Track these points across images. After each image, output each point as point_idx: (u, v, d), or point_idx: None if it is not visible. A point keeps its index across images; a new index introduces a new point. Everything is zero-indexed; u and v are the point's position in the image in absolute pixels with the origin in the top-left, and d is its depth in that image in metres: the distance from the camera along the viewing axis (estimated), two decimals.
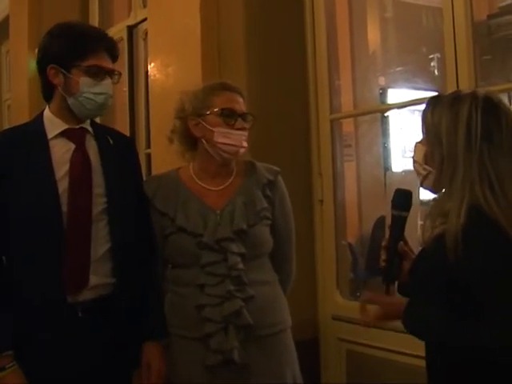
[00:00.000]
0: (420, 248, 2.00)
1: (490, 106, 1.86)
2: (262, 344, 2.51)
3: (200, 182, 2.62)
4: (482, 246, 1.76)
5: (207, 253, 2.49)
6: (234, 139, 2.53)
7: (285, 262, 2.73)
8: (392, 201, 2.05)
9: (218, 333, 2.44)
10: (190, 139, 2.64)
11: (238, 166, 2.66)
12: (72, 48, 2.38)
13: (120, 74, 2.49)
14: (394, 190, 2.08)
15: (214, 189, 2.61)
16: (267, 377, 2.50)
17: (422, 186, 1.97)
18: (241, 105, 2.59)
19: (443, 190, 1.91)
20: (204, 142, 2.58)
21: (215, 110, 2.55)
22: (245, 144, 2.56)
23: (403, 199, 2.04)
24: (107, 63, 2.42)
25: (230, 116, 2.54)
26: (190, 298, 2.50)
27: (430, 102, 1.95)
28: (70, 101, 2.40)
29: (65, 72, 2.38)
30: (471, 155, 1.81)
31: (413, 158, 1.99)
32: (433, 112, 1.91)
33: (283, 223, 2.67)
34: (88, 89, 2.37)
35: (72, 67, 2.37)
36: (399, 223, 2.04)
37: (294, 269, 2.79)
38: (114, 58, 2.46)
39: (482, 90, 1.94)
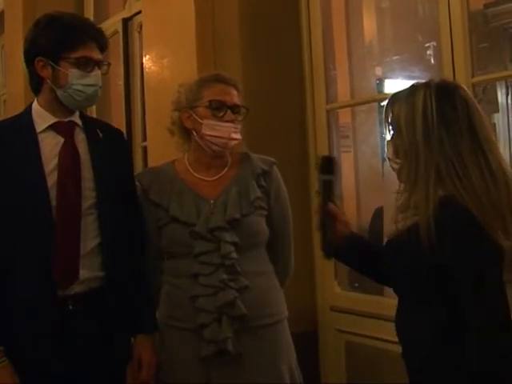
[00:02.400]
0: (387, 238, 2.01)
1: (444, 91, 1.88)
2: (256, 335, 2.51)
3: (194, 173, 2.62)
4: (455, 235, 1.77)
5: (200, 242, 2.49)
6: (222, 131, 2.52)
7: (282, 253, 2.72)
8: (318, 167, 2.20)
9: (212, 323, 2.44)
10: (185, 131, 2.64)
11: (232, 157, 2.65)
12: (60, 40, 2.36)
13: (109, 63, 2.48)
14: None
15: (208, 179, 2.61)
16: (261, 368, 2.50)
17: (399, 180, 1.97)
18: (233, 97, 2.58)
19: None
20: (194, 133, 2.58)
21: (204, 101, 2.55)
22: (235, 136, 2.55)
23: (327, 164, 2.18)
24: (96, 54, 2.40)
25: (218, 108, 2.54)
26: (185, 288, 2.50)
27: (390, 98, 1.98)
28: (59, 93, 2.39)
29: (53, 64, 2.36)
30: (431, 143, 1.83)
31: (386, 155, 2.01)
32: (392, 107, 1.94)
33: (279, 213, 2.65)
34: (77, 81, 2.36)
35: (60, 59, 2.36)
36: (326, 186, 2.17)
37: (292, 260, 2.77)
38: (103, 48, 2.45)
39: (437, 79, 1.97)
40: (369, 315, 3.45)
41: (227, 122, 2.53)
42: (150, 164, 4.18)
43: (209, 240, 2.48)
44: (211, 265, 2.46)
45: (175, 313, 2.54)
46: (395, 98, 1.95)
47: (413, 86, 1.94)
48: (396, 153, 1.94)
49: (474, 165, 1.81)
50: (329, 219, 2.16)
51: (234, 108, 2.57)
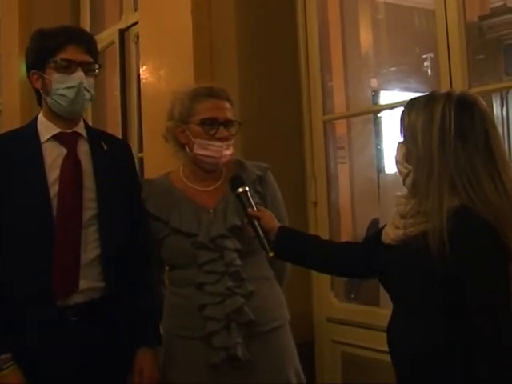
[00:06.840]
0: (386, 243, 2.02)
1: (464, 105, 1.89)
2: (263, 339, 2.54)
3: (191, 184, 2.64)
4: (474, 245, 1.78)
5: (203, 252, 2.51)
6: (214, 151, 2.54)
7: None
8: (230, 188, 2.52)
9: (221, 331, 2.46)
10: (179, 142, 2.65)
11: (227, 166, 2.66)
12: (41, 49, 2.38)
13: (98, 64, 2.46)
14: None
15: (205, 189, 2.63)
16: (270, 372, 2.53)
17: (404, 184, 1.99)
18: (225, 111, 2.59)
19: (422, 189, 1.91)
20: (187, 149, 2.60)
21: (196, 119, 2.55)
22: (226, 153, 2.57)
23: (235, 181, 2.52)
24: (77, 56, 2.38)
25: (210, 125, 2.55)
26: (191, 297, 2.52)
27: (408, 103, 1.99)
28: (49, 101, 2.40)
29: (42, 74, 2.39)
30: (446, 153, 1.84)
31: (395, 157, 2.02)
32: (409, 113, 1.95)
33: (276, 217, 2.61)
34: (60, 85, 2.36)
35: (46, 68, 2.38)
36: (241, 198, 2.48)
37: (289, 265, 2.77)
38: (89, 50, 2.43)
39: (457, 90, 1.98)
40: (365, 326, 3.44)
41: (219, 139, 2.54)
42: (147, 175, 4.17)
43: (212, 249, 2.51)
44: (216, 273, 2.49)
45: (182, 322, 2.55)
46: (413, 104, 1.96)
47: (432, 94, 1.95)
48: (406, 157, 1.95)
49: (488, 178, 1.82)
50: (255, 220, 2.43)
51: (227, 123, 2.58)
